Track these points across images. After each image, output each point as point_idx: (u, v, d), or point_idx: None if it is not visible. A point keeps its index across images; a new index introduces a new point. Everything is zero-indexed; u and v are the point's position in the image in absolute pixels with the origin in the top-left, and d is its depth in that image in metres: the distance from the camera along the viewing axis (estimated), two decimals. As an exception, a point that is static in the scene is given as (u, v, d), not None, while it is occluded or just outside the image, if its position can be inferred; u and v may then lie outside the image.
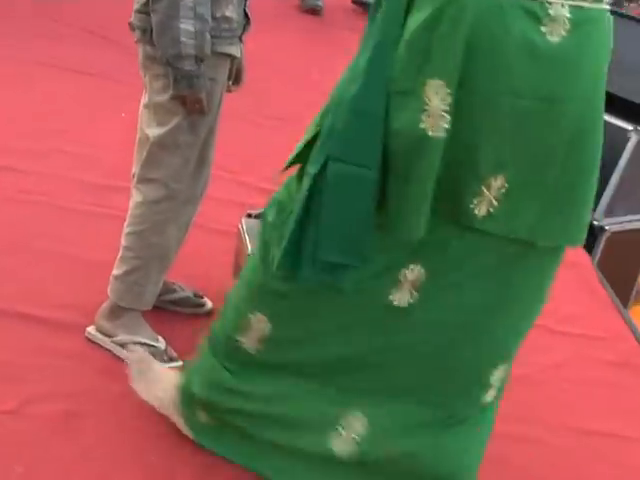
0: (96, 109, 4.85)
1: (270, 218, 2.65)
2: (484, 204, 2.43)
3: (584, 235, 2.61)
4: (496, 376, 2.78)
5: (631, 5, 15.22)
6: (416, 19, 2.33)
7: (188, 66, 2.91)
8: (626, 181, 5.89)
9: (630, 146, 5.84)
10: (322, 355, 2.70)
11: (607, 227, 5.82)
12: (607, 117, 5.61)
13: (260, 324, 2.69)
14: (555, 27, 2.32)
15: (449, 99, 2.31)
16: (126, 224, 3.18)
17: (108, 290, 3.19)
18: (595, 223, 5.75)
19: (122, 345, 3.15)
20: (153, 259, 3.12)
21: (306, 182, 2.48)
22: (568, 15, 2.32)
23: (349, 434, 2.73)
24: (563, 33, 2.32)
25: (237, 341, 2.74)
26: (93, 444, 2.81)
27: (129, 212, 3.17)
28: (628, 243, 6.04)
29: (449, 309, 2.62)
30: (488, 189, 2.42)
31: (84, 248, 3.67)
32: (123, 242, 3.18)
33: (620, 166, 5.84)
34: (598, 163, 2.52)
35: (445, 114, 2.32)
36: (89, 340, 3.20)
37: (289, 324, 2.70)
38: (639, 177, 5.99)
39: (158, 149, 3.05)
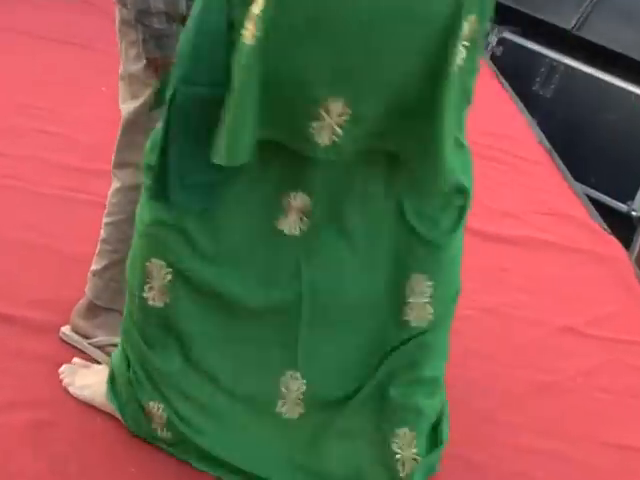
0: (76, 83, 4.84)
1: (147, 160, 2.75)
2: (326, 131, 2.50)
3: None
4: (417, 288, 2.80)
5: None
6: None
7: (157, 24, 2.91)
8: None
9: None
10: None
11: (647, 218, 5.85)
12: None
13: (160, 271, 2.75)
14: None
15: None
16: (105, 213, 3.16)
17: (86, 287, 3.18)
18: (634, 214, 5.79)
19: (100, 347, 3.13)
20: None
21: (164, 109, 2.64)
22: None
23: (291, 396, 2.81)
24: None
25: (143, 298, 2.79)
26: (64, 455, 2.78)
27: (107, 200, 3.16)
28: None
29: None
30: (328, 113, 2.48)
31: (61, 238, 3.66)
32: (102, 234, 3.16)
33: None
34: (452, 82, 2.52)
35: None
36: (63, 341, 3.19)
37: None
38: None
39: (132, 127, 3.03)
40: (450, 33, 2.43)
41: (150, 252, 2.75)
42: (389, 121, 2.54)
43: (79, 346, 3.18)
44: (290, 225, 2.70)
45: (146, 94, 3.00)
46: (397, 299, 2.78)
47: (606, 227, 4.96)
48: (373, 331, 2.80)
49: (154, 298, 2.75)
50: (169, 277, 2.73)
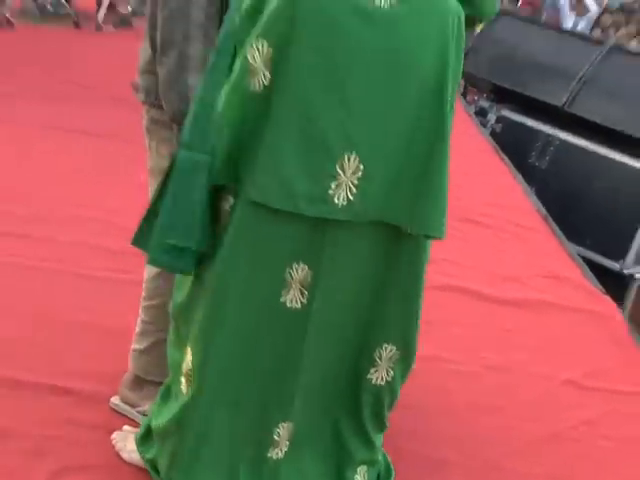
0: (107, 171, 4.89)
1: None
2: (342, 189, 2.55)
3: (445, 224, 2.68)
4: (384, 355, 2.84)
5: (617, 34, 15.42)
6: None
7: None
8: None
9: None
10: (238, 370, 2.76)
11: (637, 275, 5.89)
12: (633, 161, 5.90)
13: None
14: None
15: (270, 54, 2.47)
16: (143, 297, 3.17)
17: (130, 362, 3.20)
18: (625, 272, 5.83)
19: (147, 415, 3.12)
20: None
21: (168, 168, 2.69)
22: None
23: (283, 443, 2.83)
24: (393, 2, 2.47)
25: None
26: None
27: (144, 284, 3.17)
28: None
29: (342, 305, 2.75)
30: (343, 171, 2.54)
31: (105, 315, 3.69)
32: (143, 316, 3.18)
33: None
34: (447, 142, 2.61)
35: (265, 71, 2.48)
36: (113, 410, 3.23)
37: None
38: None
39: None
40: (442, 86, 2.56)
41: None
42: (395, 181, 2.60)
43: (128, 415, 3.21)
44: (293, 298, 2.69)
45: None
46: (369, 362, 2.84)
47: (600, 287, 5.00)
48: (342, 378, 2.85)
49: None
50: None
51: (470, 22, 2.71)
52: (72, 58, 6.62)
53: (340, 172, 2.54)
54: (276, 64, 2.48)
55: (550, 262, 5.20)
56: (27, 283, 3.92)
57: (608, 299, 4.90)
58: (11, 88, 5.89)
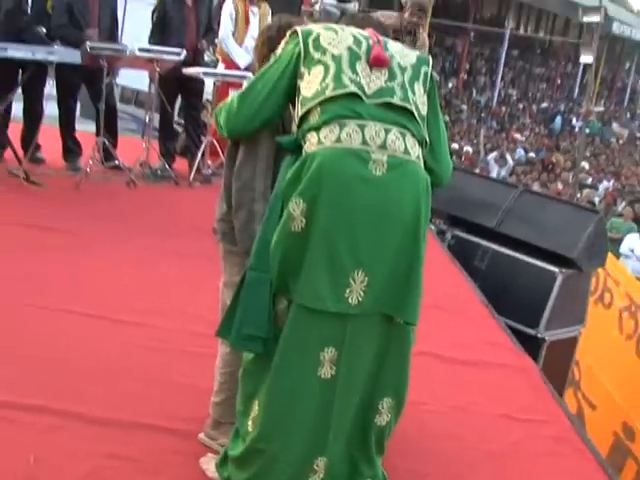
0: (199, 281, 4.84)
1: None
2: (354, 293, 2.61)
3: (418, 313, 2.73)
4: (385, 405, 2.82)
5: (525, 178, 15.60)
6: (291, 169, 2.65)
7: None
8: (557, 305, 5.91)
9: (558, 282, 5.92)
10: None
11: (547, 338, 5.84)
12: (542, 263, 5.91)
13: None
14: (377, 166, 2.59)
15: (305, 208, 2.57)
16: (221, 365, 3.17)
17: (210, 410, 3.21)
18: (539, 336, 5.80)
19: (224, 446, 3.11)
20: None
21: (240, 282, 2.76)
22: (385, 159, 2.59)
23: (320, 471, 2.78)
24: (384, 170, 2.59)
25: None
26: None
27: (221, 355, 3.17)
28: (562, 347, 6.08)
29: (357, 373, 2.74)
30: (354, 282, 2.60)
31: (195, 377, 3.67)
32: (219, 378, 3.17)
33: (552, 295, 5.90)
34: (420, 267, 2.69)
35: (303, 219, 2.58)
36: (201, 443, 3.22)
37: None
38: (566, 302, 6.01)
39: None
40: (417, 225, 2.65)
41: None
42: (388, 286, 2.65)
43: (211, 446, 3.20)
44: (325, 372, 2.69)
45: None
46: (374, 411, 2.82)
47: (522, 348, 4.99)
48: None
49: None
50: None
51: (433, 185, 2.78)
52: (173, 205, 6.68)
53: (352, 282, 2.60)
54: (309, 214, 2.57)
55: (488, 333, 5.17)
56: (146, 356, 3.91)
57: (528, 357, 4.89)
58: (133, 225, 5.91)
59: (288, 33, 2.81)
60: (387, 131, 2.62)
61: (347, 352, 2.68)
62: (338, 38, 2.72)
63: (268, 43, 3.01)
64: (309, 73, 2.69)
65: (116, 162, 6.97)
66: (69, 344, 3.86)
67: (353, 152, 2.58)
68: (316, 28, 2.76)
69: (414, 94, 2.72)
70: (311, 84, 2.68)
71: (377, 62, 2.69)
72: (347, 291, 2.61)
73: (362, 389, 2.77)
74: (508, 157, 17.84)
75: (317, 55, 2.69)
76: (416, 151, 2.67)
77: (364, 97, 2.64)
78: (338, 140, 2.59)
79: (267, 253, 2.66)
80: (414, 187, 2.64)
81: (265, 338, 2.69)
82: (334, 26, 2.79)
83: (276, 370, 2.69)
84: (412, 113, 2.69)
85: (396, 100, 2.67)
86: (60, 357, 3.72)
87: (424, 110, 2.76)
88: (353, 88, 2.64)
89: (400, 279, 2.66)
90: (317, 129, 2.62)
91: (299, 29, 2.76)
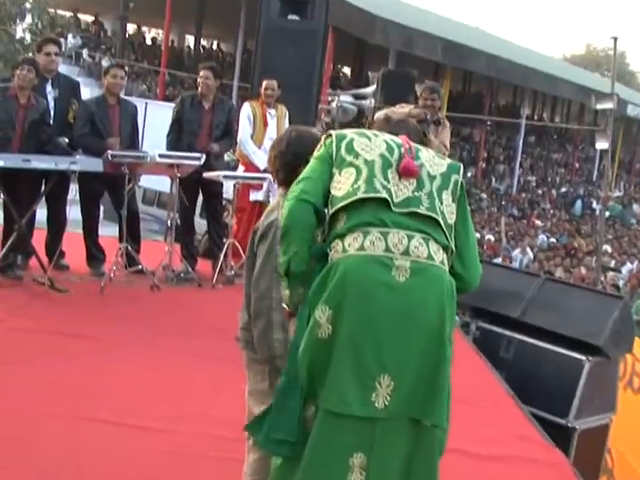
0: (220, 383, 4.82)
1: None
2: (380, 397, 2.61)
3: (446, 415, 2.72)
4: None
5: (548, 264, 15.53)
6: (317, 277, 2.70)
7: (279, 363, 2.98)
8: (586, 393, 5.83)
9: (585, 370, 5.84)
10: None
11: (578, 427, 5.73)
12: (568, 352, 5.85)
13: None
14: (400, 272, 2.63)
15: (330, 315, 2.60)
16: (249, 472, 3.15)
17: None
18: (569, 425, 5.70)
19: None
20: None
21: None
22: (408, 265, 2.63)
23: None
24: (407, 276, 2.62)
25: None
26: None
27: (249, 462, 3.15)
28: (593, 436, 5.95)
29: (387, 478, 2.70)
30: (380, 386, 2.61)
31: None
32: None
33: (581, 383, 5.82)
34: (447, 370, 2.69)
35: (330, 325, 2.61)
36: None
37: None
38: (595, 389, 5.93)
39: None
40: (441, 329, 2.65)
41: None
42: (414, 390, 2.64)
43: None
44: (355, 478, 2.65)
45: (268, 402, 2.95)
46: None
47: (551, 441, 4.90)
48: None
49: None
50: None
51: (460, 290, 2.83)
52: (196, 307, 6.69)
53: (378, 386, 2.61)
54: (335, 321, 2.61)
55: (515, 426, 5.10)
56: (170, 463, 3.88)
57: (557, 451, 4.81)
58: (156, 328, 5.91)
59: (323, 137, 2.92)
60: (410, 238, 2.68)
61: (376, 457, 2.67)
62: (371, 144, 2.81)
63: (279, 157, 3.08)
64: (340, 174, 2.77)
65: (139, 267, 7.04)
66: (91, 452, 3.84)
67: (376, 259, 2.64)
68: (350, 133, 2.87)
69: (441, 203, 2.79)
70: (342, 185, 2.75)
71: (406, 172, 2.77)
72: (373, 395, 2.62)
73: None
74: (528, 250, 17.87)
75: (349, 158, 2.78)
76: (440, 256, 2.72)
77: (392, 205, 2.72)
78: (362, 248, 2.65)
79: (296, 361, 2.71)
80: (438, 291, 2.68)
81: (295, 442, 2.69)
82: (368, 132, 2.89)
83: (305, 476, 2.67)
84: (437, 221, 2.75)
85: (422, 210, 2.74)
86: (82, 466, 3.70)
87: (452, 218, 2.81)
88: (384, 194, 2.72)
89: (426, 382, 2.67)
90: (342, 237, 2.70)
91: (334, 133, 2.88)
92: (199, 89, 7.57)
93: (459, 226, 2.85)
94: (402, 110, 7.07)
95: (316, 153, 2.88)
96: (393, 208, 2.71)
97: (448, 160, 2.94)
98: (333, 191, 2.76)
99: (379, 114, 7.60)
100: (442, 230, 2.75)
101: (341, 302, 2.61)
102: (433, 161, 2.86)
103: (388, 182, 2.74)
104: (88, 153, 6.79)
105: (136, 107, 7.60)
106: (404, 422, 2.69)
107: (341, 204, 2.72)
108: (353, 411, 2.61)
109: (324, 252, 2.75)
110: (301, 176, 2.84)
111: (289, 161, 3.07)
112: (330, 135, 2.87)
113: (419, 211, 2.73)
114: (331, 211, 2.75)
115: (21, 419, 4.09)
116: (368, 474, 2.66)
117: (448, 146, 7.30)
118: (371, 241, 2.65)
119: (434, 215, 2.74)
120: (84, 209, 7.17)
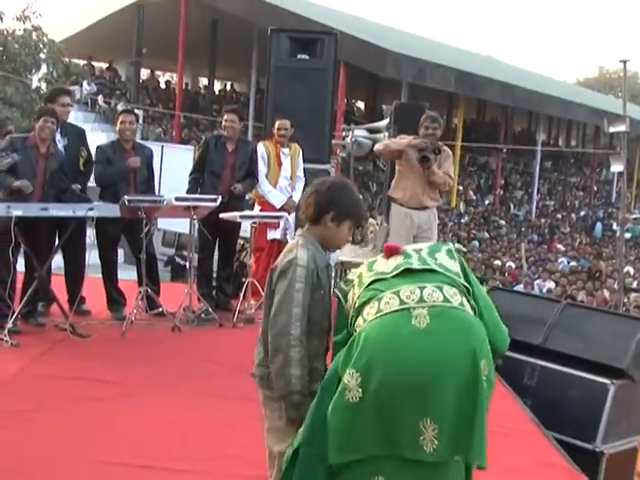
0: (239, 421, 4.80)
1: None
2: (428, 441, 2.63)
3: (485, 453, 2.73)
4: None
5: (571, 288, 15.40)
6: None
7: (296, 398, 2.98)
8: (613, 417, 5.79)
9: (611, 394, 5.81)
10: None
11: (605, 451, 5.68)
12: (592, 376, 5.81)
13: None
14: (420, 319, 2.67)
15: (359, 378, 2.63)
16: None
17: None
18: (597, 450, 5.65)
19: None
20: None
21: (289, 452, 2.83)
22: (426, 312, 2.68)
23: None
24: (427, 321, 2.67)
25: None
26: None
27: None
28: (622, 459, 5.90)
29: None
30: (426, 429, 2.63)
31: None
32: None
33: (606, 407, 5.78)
34: (484, 407, 2.70)
35: (359, 388, 2.63)
36: None
37: None
38: (621, 413, 5.88)
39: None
40: (475, 368, 2.64)
41: None
42: (457, 430, 2.65)
43: None
44: None
45: (287, 439, 2.98)
46: None
47: (577, 467, 4.86)
48: None
49: None
50: None
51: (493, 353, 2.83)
52: (217, 347, 6.72)
53: (424, 430, 2.64)
54: (364, 383, 2.65)
55: (542, 454, 5.06)
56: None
57: (584, 477, 4.78)
58: (177, 369, 5.91)
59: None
60: (422, 288, 2.75)
61: None
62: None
63: (315, 195, 3.15)
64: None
65: (160, 309, 7.09)
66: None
67: (394, 315, 2.70)
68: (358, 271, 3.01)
69: (435, 260, 2.88)
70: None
71: (389, 252, 2.93)
72: (420, 439, 2.64)
73: None
74: (549, 280, 17.65)
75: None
76: (458, 299, 2.77)
77: (385, 276, 2.84)
78: (379, 311, 2.74)
79: (322, 430, 2.72)
80: (463, 330, 2.71)
81: None
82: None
83: None
84: (437, 271, 2.82)
85: (415, 265, 2.84)
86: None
87: (455, 268, 2.88)
88: (373, 277, 2.86)
89: (467, 423, 2.68)
90: (360, 313, 2.80)
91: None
92: (224, 132, 7.72)
93: (474, 291, 2.90)
94: (402, 141, 7.14)
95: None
96: (388, 277, 2.83)
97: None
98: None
99: (377, 145, 7.67)
100: (449, 276, 2.81)
101: (368, 363, 2.66)
102: (416, 247, 3.01)
103: (374, 272, 2.89)
104: (110, 187, 7.02)
105: (151, 151, 7.71)
106: (450, 464, 2.74)
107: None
108: (407, 455, 2.65)
109: (350, 334, 2.84)
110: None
111: (322, 204, 3.12)
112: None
113: (412, 267, 2.83)
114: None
115: (45, 465, 4.11)
116: None
117: (452, 174, 7.34)
118: (386, 302, 2.74)
119: (428, 267, 2.84)
120: (102, 254, 7.24)
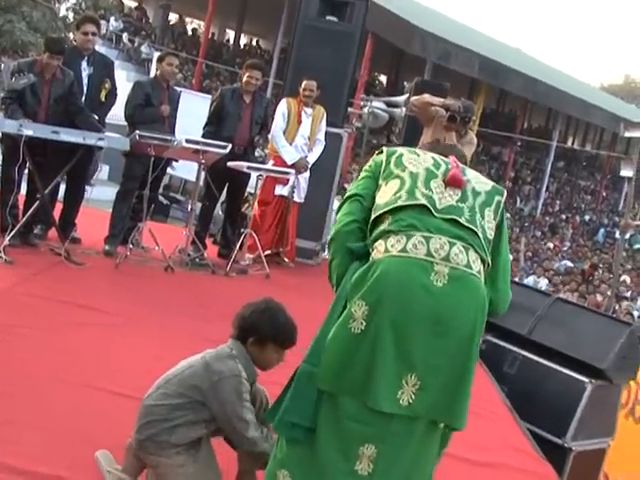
0: None
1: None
2: (405, 395, 2.66)
3: (466, 420, 2.79)
4: None
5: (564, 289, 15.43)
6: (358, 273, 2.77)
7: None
8: (586, 415, 5.84)
9: (587, 392, 5.85)
10: None
11: (574, 448, 5.75)
12: (572, 372, 5.85)
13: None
14: (439, 277, 2.67)
15: (366, 311, 2.65)
16: None
17: None
18: (565, 445, 5.71)
19: None
20: None
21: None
22: (447, 271, 2.68)
23: None
24: (444, 282, 2.67)
25: None
26: None
27: None
28: (589, 459, 5.97)
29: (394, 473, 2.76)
30: (407, 384, 2.66)
31: (223, 455, 3.49)
32: None
33: (581, 405, 5.83)
34: (472, 377, 2.75)
35: (363, 321, 2.66)
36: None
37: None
38: (595, 413, 5.93)
39: None
40: (472, 337, 2.71)
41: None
42: (440, 392, 2.70)
43: None
44: (363, 468, 2.72)
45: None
46: None
47: (542, 455, 4.95)
48: None
49: None
50: None
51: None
52: (208, 292, 6.75)
53: (404, 384, 2.67)
54: (369, 317, 2.67)
55: (510, 437, 5.13)
56: None
57: (548, 465, 4.85)
58: (167, 307, 5.97)
59: (377, 151, 3.05)
60: (451, 244, 2.74)
61: (386, 451, 2.72)
62: (419, 159, 2.93)
63: (238, 318, 3.31)
64: (386, 185, 2.89)
65: (156, 248, 7.12)
66: (92, 418, 3.91)
67: (417, 262, 2.70)
68: (401, 149, 2.99)
69: (483, 218, 2.86)
70: (385, 194, 2.87)
71: (453, 182, 2.88)
72: (399, 392, 2.67)
73: None
74: (543, 277, 17.74)
75: (396, 171, 2.89)
76: (477, 266, 2.78)
77: (433, 211, 2.80)
78: (404, 250, 2.72)
79: (320, 350, 2.76)
80: (473, 300, 2.73)
81: (308, 427, 2.75)
82: (418, 150, 3.03)
83: (314, 456, 2.75)
84: (477, 234, 2.81)
85: (463, 220, 2.82)
86: (83, 431, 3.76)
87: (491, 234, 2.88)
88: (424, 201, 2.80)
89: (451, 387, 2.72)
90: (385, 237, 2.78)
91: (385, 149, 3.01)
92: (243, 85, 7.73)
93: (495, 248, 2.92)
94: (438, 100, 7.08)
95: (366, 166, 3.03)
96: (435, 214, 2.79)
97: (491, 183, 3.03)
98: (377, 200, 2.88)
99: (416, 98, 7.57)
100: (481, 243, 2.82)
101: (378, 299, 2.67)
102: (479, 179, 2.98)
103: (431, 191, 2.84)
104: (142, 122, 7.11)
105: (179, 95, 7.81)
106: (421, 422, 2.75)
107: (382, 210, 2.83)
108: (381, 407, 2.66)
109: (366, 250, 2.83)
110: (349, 192, 3.01)
111: (244, 328, 3.23)
112: (382, 151, 3.00)
113: (460, 220, 2.80)
114: (373, 216, 2.86)
115: (29, 380, 4.16)
116: (376, 466, 2.72)
117: (467, 161, 7.30)
118: (414, 244, 2.72)
119: (474, 227, 2.81)
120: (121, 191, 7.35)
